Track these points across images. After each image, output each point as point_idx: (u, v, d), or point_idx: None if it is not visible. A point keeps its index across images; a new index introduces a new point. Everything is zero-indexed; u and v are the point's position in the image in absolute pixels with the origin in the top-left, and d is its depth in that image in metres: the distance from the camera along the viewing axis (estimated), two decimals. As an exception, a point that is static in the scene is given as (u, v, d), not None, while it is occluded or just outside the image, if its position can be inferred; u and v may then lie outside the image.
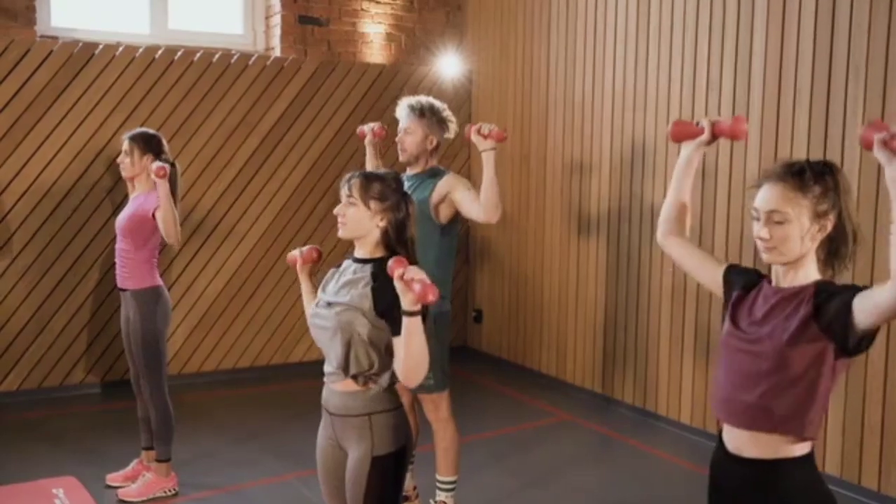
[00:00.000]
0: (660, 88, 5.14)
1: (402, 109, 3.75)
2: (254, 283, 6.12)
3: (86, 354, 5.64)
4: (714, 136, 2.24)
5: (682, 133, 2.28)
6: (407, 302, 2.18)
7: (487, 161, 3.48)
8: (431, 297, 2.11)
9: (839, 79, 4.18)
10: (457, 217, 3.67)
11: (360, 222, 2.42)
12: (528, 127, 6.22)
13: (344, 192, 2.45)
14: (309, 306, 2.64)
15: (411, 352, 2.23)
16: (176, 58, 5.74)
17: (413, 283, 2.13)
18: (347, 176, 2.47)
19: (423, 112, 3.71)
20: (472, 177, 6.33)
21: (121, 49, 5.58)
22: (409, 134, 3.69)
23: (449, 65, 6.60)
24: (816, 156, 4.24)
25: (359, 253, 2.48)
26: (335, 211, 2.46)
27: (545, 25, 6.03)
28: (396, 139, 3.73)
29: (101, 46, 5.53)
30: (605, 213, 5.58)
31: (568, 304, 5.94)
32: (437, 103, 3.76)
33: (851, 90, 4.12)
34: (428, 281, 2.13)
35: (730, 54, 4.71)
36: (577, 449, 4.93)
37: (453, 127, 3.78)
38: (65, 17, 5.70)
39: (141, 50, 5.64)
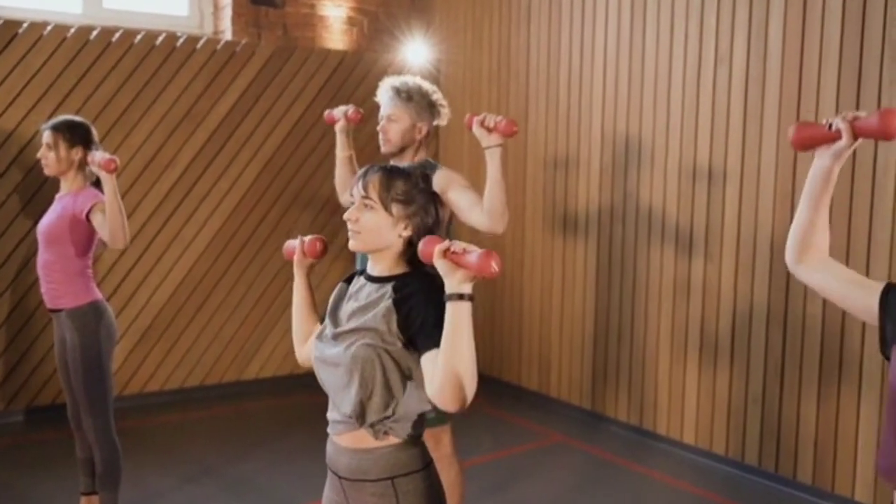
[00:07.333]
0: (659, 68, 4.66)
1: (385, 93, 3.18)
2: (202, 293, 5.48)
3: (7, 380, 4.94)
4: (855, 139, 1.73)
5: (810, 139, 1.79)
6: (456, 280, 1.64)
7: (492, 159, 2.91)
8: (494, 263, 1.59)
9: (873, 54, 3.73)
10: (450, 220, 3.15)
11: (379, 231, 1.88)
12: (505, 120, 5.69)
13: (358, 190, 1.89)
14: (302, 312, 2.14)
15: (460, 354, 1.63)
16: (113, 40, 5.08)
17: (465, 254, 1.62)
18: (363, 170, 1.92)
19: (410, 96, 3.17)
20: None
21: (49, 28, 4.90)
22: (394, 122, 3.14)
23: (415, 52, 6.04)
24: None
25: (374, 269, 1.93)
26: (346, 216, 1.90)
27: (525, 7, 5.52)
28: (378, 128, 3.16)
29: (25, 24, 4.84)
30: (595, 213, 5.10)
31: (552, 312, 5.44)
32: (427, 85, 3.22)
33: (888, 66, 3.68)
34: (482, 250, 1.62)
35: (742, 22, 4.24)
36: (577, 474, 4.43)
37: (445, 112, 3.24)
38: (-18, -8, 5.00)
39: (73, 30, 4.97)
